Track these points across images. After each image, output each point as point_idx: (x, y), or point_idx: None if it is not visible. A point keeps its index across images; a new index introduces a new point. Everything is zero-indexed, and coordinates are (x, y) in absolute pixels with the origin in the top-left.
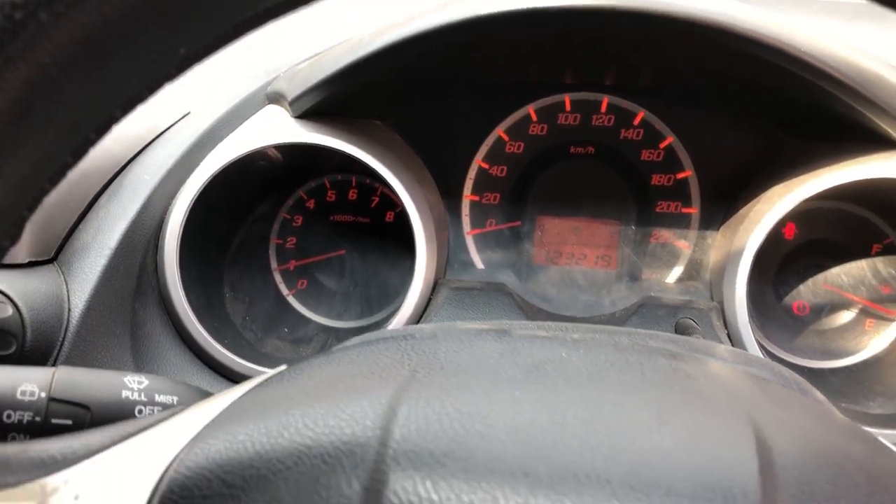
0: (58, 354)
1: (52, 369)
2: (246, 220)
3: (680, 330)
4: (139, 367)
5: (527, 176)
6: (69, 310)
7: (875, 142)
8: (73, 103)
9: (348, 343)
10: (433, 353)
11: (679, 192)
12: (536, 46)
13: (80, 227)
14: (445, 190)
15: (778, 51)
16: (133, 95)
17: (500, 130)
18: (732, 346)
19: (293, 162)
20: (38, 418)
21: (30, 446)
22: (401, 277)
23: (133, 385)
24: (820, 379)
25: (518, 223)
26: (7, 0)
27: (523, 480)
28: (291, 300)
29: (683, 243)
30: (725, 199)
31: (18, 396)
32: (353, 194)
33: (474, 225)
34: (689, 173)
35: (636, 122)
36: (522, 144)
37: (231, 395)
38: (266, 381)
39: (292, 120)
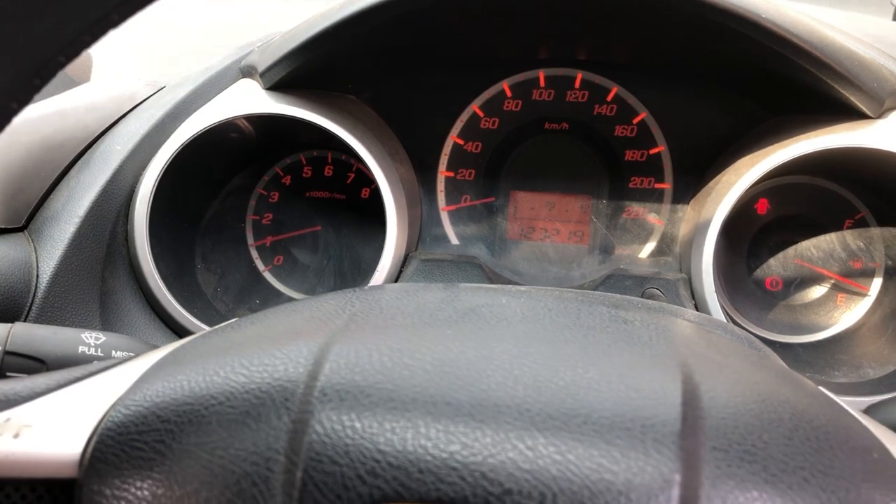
0: (25, 319)
1: (9, 325)
2: (219, 194)
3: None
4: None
5: (501, 151)
6: (37, 276)
7: (841, 113)
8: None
9: (298, 301)
10: (376, 300)
11: (652, 168)
12: (509, 19)
13: (52, 196)
14: (420, 166)
15: (743, 18)
16: (76, 39)
17: (474, 106)
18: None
19: (267, 136)
20: None
21: None
22: (374, 252)
23: (90, 341)
24: (789, 352)
25: (492, 199)
26: None
27: (444, 409)
28: (267, 275)
29: (656, 218)
30: (698, 173)
31: None
32: (328, 171)
33: (449, 201)
34: (661, 149)
35: (609, 97)
36: (497, 120)
37: (175, 344)
38: (212, 330)
39: (263, 92)
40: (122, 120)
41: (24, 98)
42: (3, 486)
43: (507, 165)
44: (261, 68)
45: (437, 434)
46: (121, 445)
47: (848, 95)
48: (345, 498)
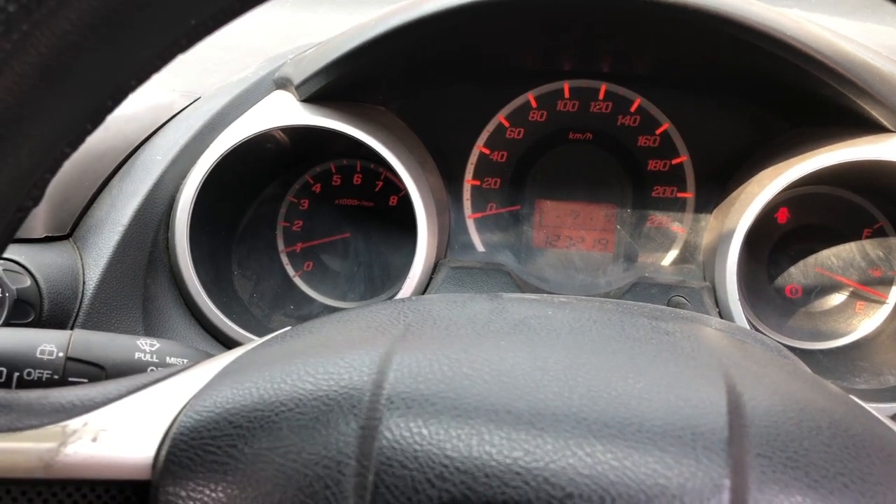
0: (73, 325)
1: (70, 332)
2: (254, 202)
3: (672, 307)
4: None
5: (526, 161)
6: (84, 282)
7: (862, 126)
8: (92, 69)
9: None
10: (427, 311)
11: (674, 177)
12: (536, 33)
13: (95, 204)
14: (447, 174)
15: (766, 35)
16: (146, 64)
17: (500, 117)
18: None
19: (300, 146)
20: (56, 376)
21: (50, 393)
22: (403, 259)
23: (146, 347)
24: (810, 358)
25: (518, 207)
26: None
27: (506, 417)
28: (297, 281)
29: (678, 227)
30: (720, 183)
31: (38, 356)
32: (357, 179)
33: (475, 208)
34: (684, 158)
35: (633, 108)
36: (522, 130)
37: (237, 352)
38: (269, 339)
39: (298, 104)
40: (161, 130)
41: (97, 120)
42: (80, 486)
43: (532, 174)
44: (296, 81)
45: (500, 441)
46: (194, 449)
47: (868, 109)
48: (415, 500)
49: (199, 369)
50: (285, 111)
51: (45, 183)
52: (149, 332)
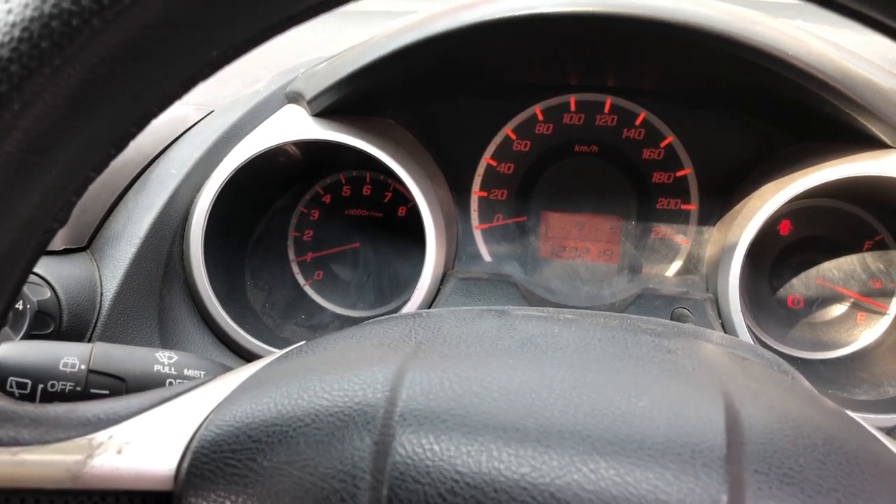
0: (91, 335)
1: (91, 345)
2: (266, 213)
3: (675, 319)
4: (166, 347)
5: (533, 173)
6: (101, 294)
7: (863, 141)
8: (118, 99)
9: (360, 325)
10: (437, 328)
11: (678, 190)
12: (543, 50)
13: (111, 217)
14: (455, 186)
15: (768, 55)
16: (169, 93)
17: (507, 129)
18: (725, 334)
19: (310, 158)
20: (78, 388)
21: (77, 407)
22: (411, 269)
23: (164, 360)
24: (811, 368)
25: (524, 218)
26: (66, 8)
27: (514, 434)
28: (308, 290)
29: (682, 238)
30: (723, 195)
31: (61, 368)
32: (366, 190)
33: (482, 220)
34: (688, 171)
35: (638, 122)
36: (529, 143)
37: (254, 367)
38: (285, 354)
39: (310, 118)
40: (176, 143)
41: (121, 145)
42: (106, 496)
43: (539, 186)
44: (308, 96)
45: (508, 457)
46: (215, 462)
47: (868, 126)
48: None
49: (217, 384)
50: (298, 125)
51: (71, 206)
52: (164, 342)
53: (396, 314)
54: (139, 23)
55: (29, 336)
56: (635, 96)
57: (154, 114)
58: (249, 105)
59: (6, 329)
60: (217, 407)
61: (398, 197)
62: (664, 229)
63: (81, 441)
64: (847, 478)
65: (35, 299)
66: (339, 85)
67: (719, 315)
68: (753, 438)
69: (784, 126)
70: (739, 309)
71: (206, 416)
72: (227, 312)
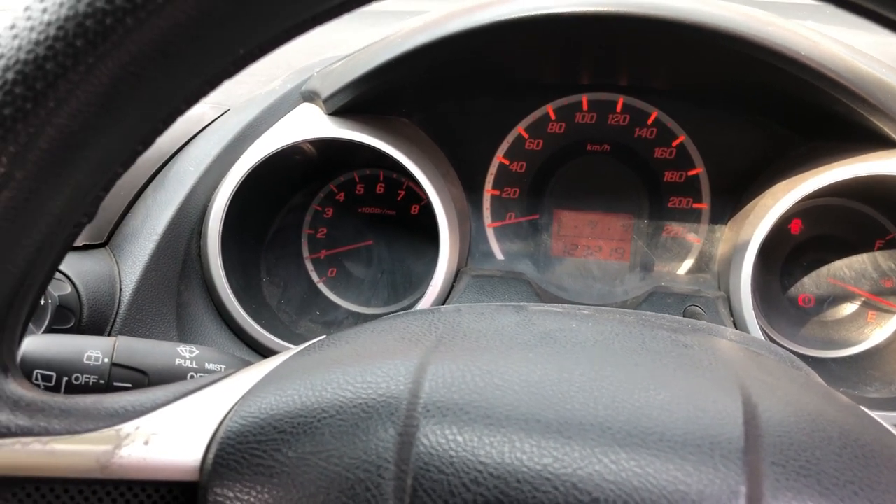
0: (110, 330)
1: (114, 338)
2: (281, 210)
3: (688, 316)
4: (184, 342)
5: (545, 172)
6: (120, 289)
7: (874, 141)
8: (147, 96)
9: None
10: (457, 323)
11: (690, 188)
12: (556, 49)
13: (130, 213)
14: (468, 184)
15: (781, 55)
16: (196, 90)
17: (520, 128)
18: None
19: (325, 156)
20: (101, 381)
21: (104, 398)
22: (425, 266)
23: (186, 354)
24: (822, 367)
25: (536, 216)
26: (100, 7)
27: (535, 426)
28: (322, 287)
29: (694, 237)
30: (734, 194)
31: (85, 361)
32: (380, 188)
33: (495, 218)
34: (699, 170)
35: (650, 121)
36: (541, 142)
37: (276, 360)
38: (307, 347)
39: (326, 117)
40: (193, 141)
41: (149, 142)
42: (132, 486)
43: (551, 185)
44: (324, 95)
45: (530, 448)
46: (241, 453)
47: (881, 125)
48: (451, 503)
49: (240, 376)
50: (313, 124)
51: (99, 200)
52: (182, 337)
53: (414, 310)
54: (171, 21)
55: (50, 330)
56: (647, 96)
57: (181, 111)
58: (265, 104)
59: None
60: (241, 399)
61: (411, 195)
62: (676, 228)
63: (109, 432)
64: (863, 470)
65: (56, 294)
66: (356, 84)
67: (731, 313)
68: (771, 431)
69: (795, 125)
70: (752, 307)
71: (230, 408)
72: (244, 308)
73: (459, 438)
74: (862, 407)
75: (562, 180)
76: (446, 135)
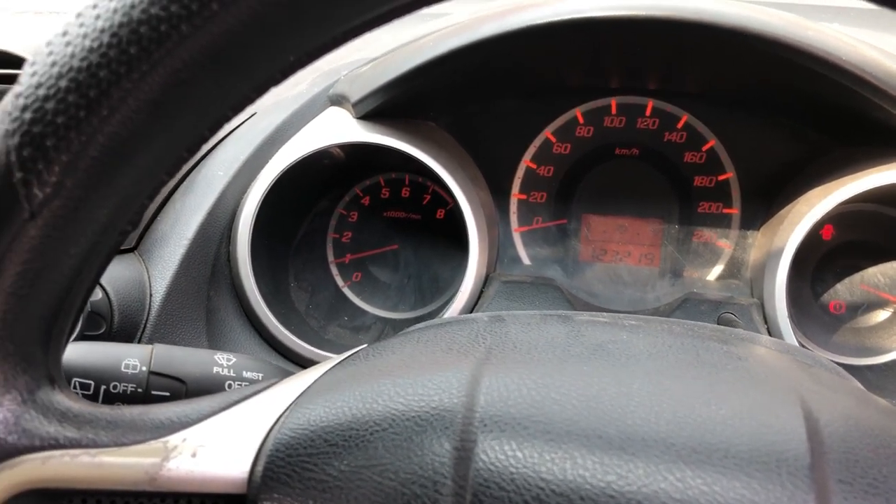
0: (140, 336)
1: (151, 346)
2: (308, 215)
3: (722, 324)
4: (213, 348)
5: (573, 176)
6: (151, 295)
7: None
8: (196, 104)
9: (419, 326)
10: (504, 333)
11: (721, 193)
12: (587, 53)
13: (159, 218)
14: (494, 189)
15: (823, 60)
16: (244, 98)
17: (547, 132)
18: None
19: (352, 160)
20: (139, 390)
21: (150, 409)
22: (452, 271)
23: (223, 362)
24: (857, 374)
25: (564, 221)
26: (154, 14)
27: (597, 442)
28: (346, 291)
29: (725, 242)
30: (766, 200)
31: (122, 369)
32: (405, 192)
33: (521, 222)
34: (730, 175)
35: (680, 125)
36: (569, 145)
37: (318, 370)
38: (350, 357)
39: (354, 121)
40: (220, 145)
41: (194, 149)
42: (179, 498)
43: (579, 189)
44: (353, 99)
45: (593, 465)
46: (291, 466)
47: None
48: None
49: (284, 387)
50: (343, 128)
51: (144, 208)
52: (212, 343)
53: (455, 318)
54: (224, 28)
55: (82, 336)
56: (677, 99)
57: (228, 118)
58: (293, 107)
59: None
60: (289, 410)
61: (437, 199)
62: (706, 233)
63: (157, 444)
64: None
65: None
66: (387, 88)
67: (765, 320)
68: (834, 447)
69: (829, 130)
70: (787, 314)
71: (276, 419)
72: (273, 314)
73: (519, 454)
74: None
75: (590, 184)
76: (473, 138)
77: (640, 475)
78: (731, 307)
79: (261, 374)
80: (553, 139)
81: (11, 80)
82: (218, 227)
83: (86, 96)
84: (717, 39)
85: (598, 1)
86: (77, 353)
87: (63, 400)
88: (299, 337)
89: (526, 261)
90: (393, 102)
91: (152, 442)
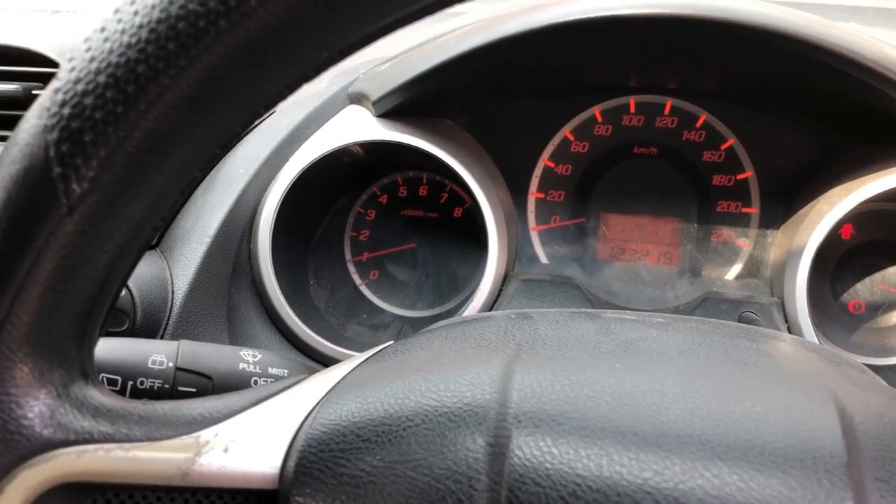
0: (163, 333)
1: (177, 342)
2: (327, 213)
3: (743, 322)
4: (235, 345)
5: (591, 174)
6: (172, 292)
7: None
8: (231, 100)
9: (444, 323)
10: (534, 330)
11: (740, 192)
12: (608, 51)
13: (180, 215)
14: (511, 187)
15: (848, 59)
16: (277, 94)
17: (565, 130)
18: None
19: (370, 158)
20: (166, 386)
21: (181, 405)
22: (469, 269)
23: (249, 358)
24: (878, 374)
25: (583, 220)
26: (193, 10)
27: (632, 439)
28: (364, 290)
29: (744, 241)
30: (785, 199)
31: (149, 365)
32: (423, 190)
33: (539, 221)
34: (749, 174)
35: (698, 124)
36: (587, 144)
37: (346, 366)
38: (378, 353)
39: (374, 119)
40: (241, 142)
41: (228, 146)
42: (210, 493)
43: (597, 188)
44: (373, 97)
45: (629, 461)
46: (324, 461)
47: None
48: None
49: (312, 382)
50: (363, 126)
51: (177, 205)
52: (233, 340)
53: (481, 315)
54: (261, 24)
55: (106, 333)
56: (696, 98)
57: (259, 114)
58: (312, 105)
59: None
60: (319, 406)
61: (455, 197)
62: (725, 232)
63: (188, 439)
64: None
65: None
66: (407, 86)
67: (786, 319)
68: (870, 445)
69: (850, 129)
70: (807, 314)
71: (306, 415)
72: (294, 311)
73: (555, 450)
74: None
75: (608, 183)
76: (491, 137)
77: (676, 472)
78: (751, 306)
79: (286, 371)
80: (571, 138)
81: (31, 77)
82: (239, 225)
83: (123, 91)
84: (743, 38)
85: None
86: (104, 349)
87: (96, 395)
88: (319, 334)
89: (543, 259)
90: (412, 101)
91: (184, 437)
